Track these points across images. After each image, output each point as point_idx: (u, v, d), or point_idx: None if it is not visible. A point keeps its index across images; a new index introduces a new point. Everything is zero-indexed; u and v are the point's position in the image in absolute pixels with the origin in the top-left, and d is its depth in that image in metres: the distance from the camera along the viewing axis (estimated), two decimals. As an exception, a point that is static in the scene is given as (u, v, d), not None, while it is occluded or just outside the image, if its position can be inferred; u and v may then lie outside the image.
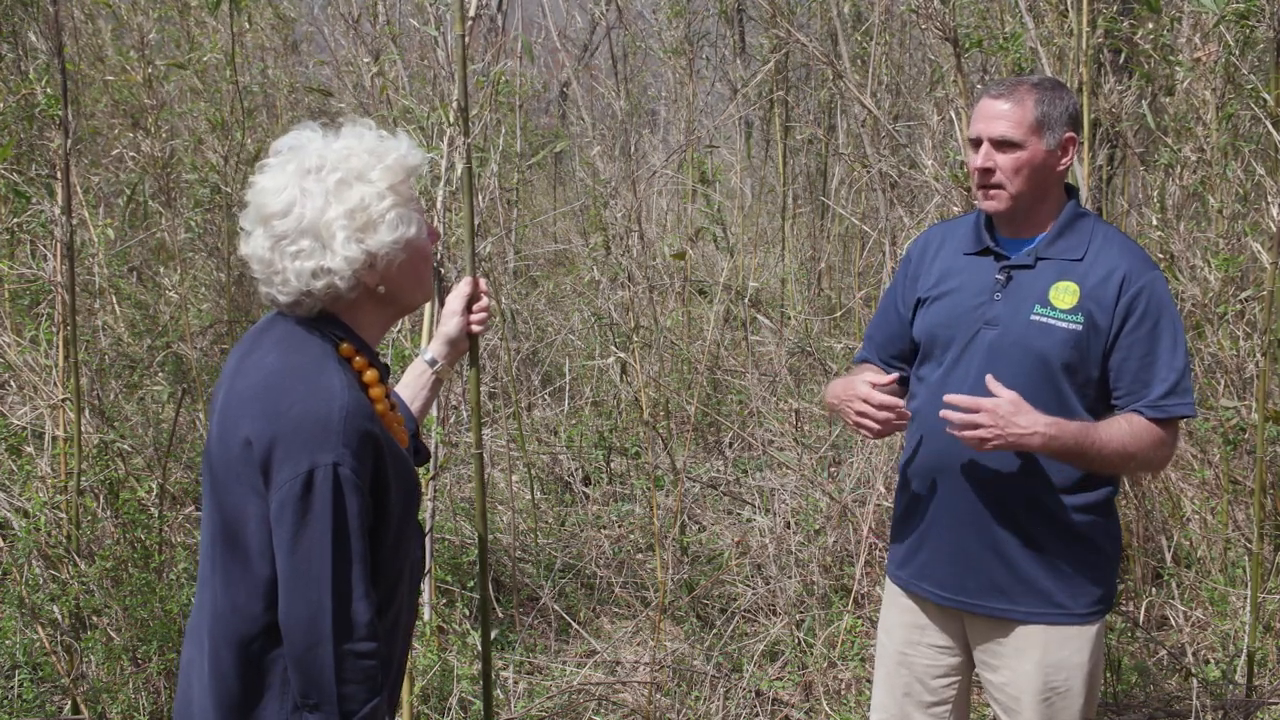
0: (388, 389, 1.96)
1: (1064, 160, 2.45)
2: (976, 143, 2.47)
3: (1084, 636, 2.51)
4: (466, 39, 2.62)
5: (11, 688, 3.65)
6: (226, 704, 1.81)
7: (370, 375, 1.87)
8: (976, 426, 2.29)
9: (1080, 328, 2.40)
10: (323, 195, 1.80)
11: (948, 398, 2.32)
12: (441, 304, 2.40)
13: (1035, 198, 2.47)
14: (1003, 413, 2.28)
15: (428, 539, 3.30)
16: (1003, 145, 2.43)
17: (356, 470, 1.74)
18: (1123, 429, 2.38)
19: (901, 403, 2.46)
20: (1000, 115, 2.42)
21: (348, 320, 1.88)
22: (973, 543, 2.49)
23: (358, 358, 1.87)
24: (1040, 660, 2.50)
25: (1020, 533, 2.45)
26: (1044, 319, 2.42)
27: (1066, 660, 2.50)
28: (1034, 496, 2.42)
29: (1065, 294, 2.42)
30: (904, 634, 2.69)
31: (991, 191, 2.46)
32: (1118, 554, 2.57)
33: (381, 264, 1.85)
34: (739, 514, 5.15)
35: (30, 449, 4.22)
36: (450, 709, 3.59)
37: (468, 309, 2.36)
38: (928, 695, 2.68)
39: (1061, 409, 2.41)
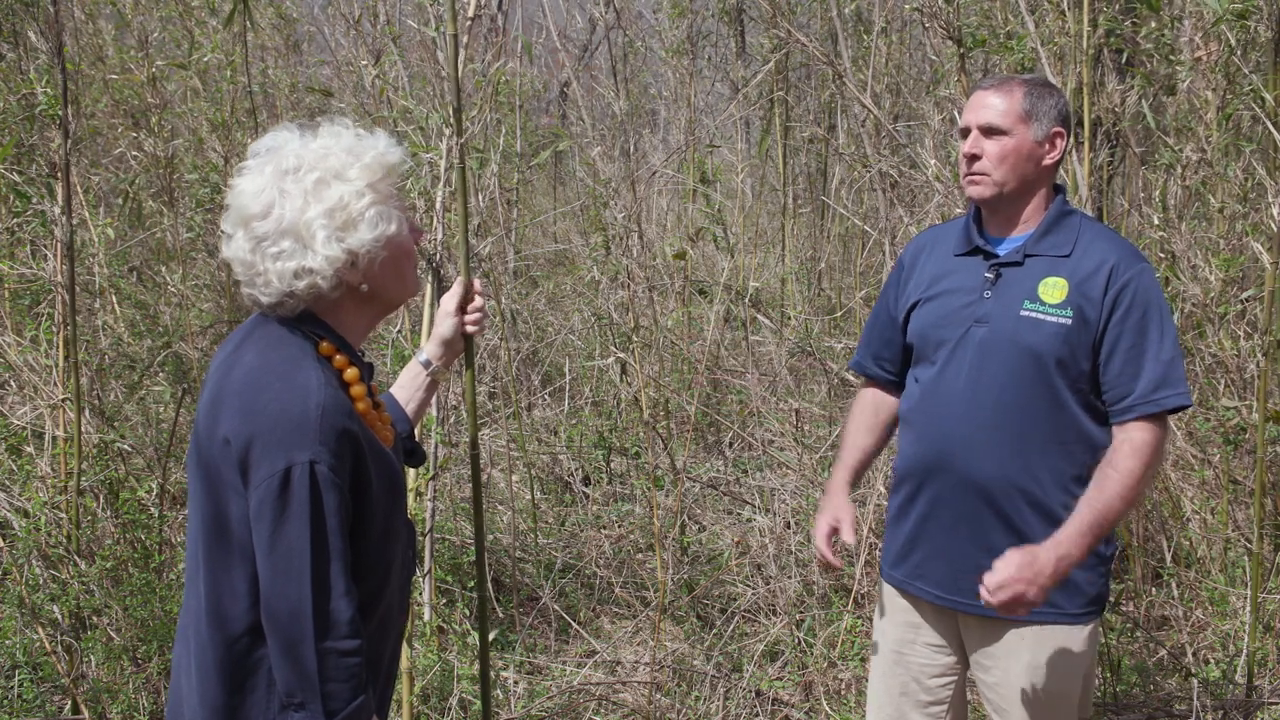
0: (373, 388, 1.96)
1: (1051, 154, 2.48)
2: (966, 132, 2.52)
3: (1077, 637, 2.50)
4: (460, 38, 2.62)
5: (11, 688, 3.65)
6: (213, 703, 1.81)
7: (350, 373, 1.87)
8: (1018, 599, 2.28)
9: (1070, 321, 2.40)
10: (301, 195, 1.80)
11: (985, 587, 2.29)
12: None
13: (1020, 188, 2.49)
14: (1031, 573, 2.26)
15: (427, 539, 3.30)
16: (990, 132, 2.47)
17: (334, 467, 1.74)
18: (1112, 478, 2.36)
19: (839, 564, 2.66)
20: (989, 104, 2.48)
21: (330, 319, 1.88)
22: (966, 542, 2.50)
23: (338, 356, 1.87)
24: (1032, 660, 2.50)
25: (1013, 532, 2.45)
26: (1033, 314, 2.43)
27: (1059, 661, 2.50)
28: (1028, 495, 2.42)
29: (1054, 289, 2.43)
30: (899, 633, 2.69)
31: (976, 177, 2.49)
32: (1111, 555, 2.57)
33: (363, 262, 1.85)
34: (739, 514, 5.15)
35: (30, 449, 4.23)
36: (450, 709, 3.59)
37: (462, 309, 2.36)
38: (924, 695, 2.68)
39: (1053, 404, 2.42)
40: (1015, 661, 2.51)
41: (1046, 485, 2.42)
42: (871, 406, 2.81)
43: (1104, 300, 2.40)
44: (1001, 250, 2.52)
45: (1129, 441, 2.39)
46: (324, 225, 1.80)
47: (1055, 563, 2.28)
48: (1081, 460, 2.42)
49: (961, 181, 2.57)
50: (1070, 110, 2.52)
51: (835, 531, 2.63)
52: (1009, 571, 2.27)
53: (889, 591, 2.72)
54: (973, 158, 2.48)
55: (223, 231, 1.86)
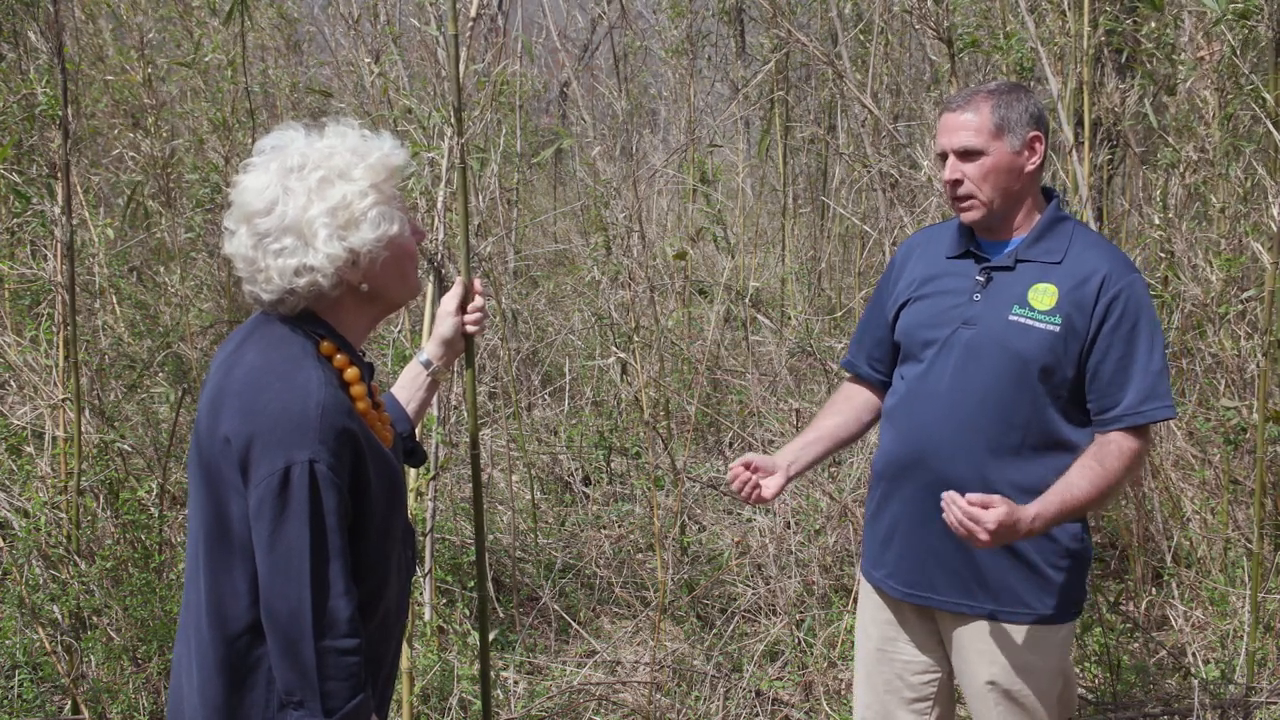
0: (373, 388, 1.96)
1: (1032, 160, 2.47)
2: (943, 157, 2.51)
3: (1053, 638, 2.51)
4: (460, 37, 2.62)
5: (11, 688, 3.65)
6: (213, 702, 1.81)
7: (351, 373, 1.87)
8: (977, 525, 2.26)
9: (1058, 329, 2.41)
10: (305, 193, 1.80)
11: (948, 496, 2.29)
12: None
13: (1009, 201, 2.49)
14: (1006, 526, 2.25)
15: (428, 539, 3.30)
16: (966, 155, 2.46)
17: (334, 467, 1.74)
18: (1096, 470, 2.37)
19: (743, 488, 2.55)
20: (959, 126, 2.46)
21: (330, 319, 1.89)
22: (942, 540, 2.49)
23: (338, 355, 1.87)
24: (1007, 660, 2.50)
25: None
26: (1022, 319, 2.43)
27: (1034, 661, 2.51)
28: (1004, 496, 2.42)
29: (1044, 295, 2.43)
30: (881, 630, 2.70)
31: (965, 203, 2.50)
32: (1087, 558, 2.56)
33: (364, 261, 1.85)
34: (739, 514, 5.15)
35: (30, 449, 4.23)
36: (450, 709, 3.59)
37: (462, 309, 2.36)
38: (909, 691, 2.69)
39: (1035, 410, 2.43)
40: (990, 660, 2.52)
41: (1021, 488, 2.41)
42: (845, 394, 2.82)
43: (1094, 310, 2.40)
44: (993, 254, 2.53)
45: (1116, 444, 2.40)
46: (326, 223, 1.80)
47: (1029, 523, 2.28)
48: (1057, 465, 2.42)
49: (950, 207, 2.57)
50: (1043, 108, 2.52)
51: (753, 470, 2.58)
52: (996, 516, 2.23)
53: (868, 589, 2.73)
54: (955, 183, 2.48)
55: (225, 228, 1.86)
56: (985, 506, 2.24)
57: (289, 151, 1.84)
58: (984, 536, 2.24)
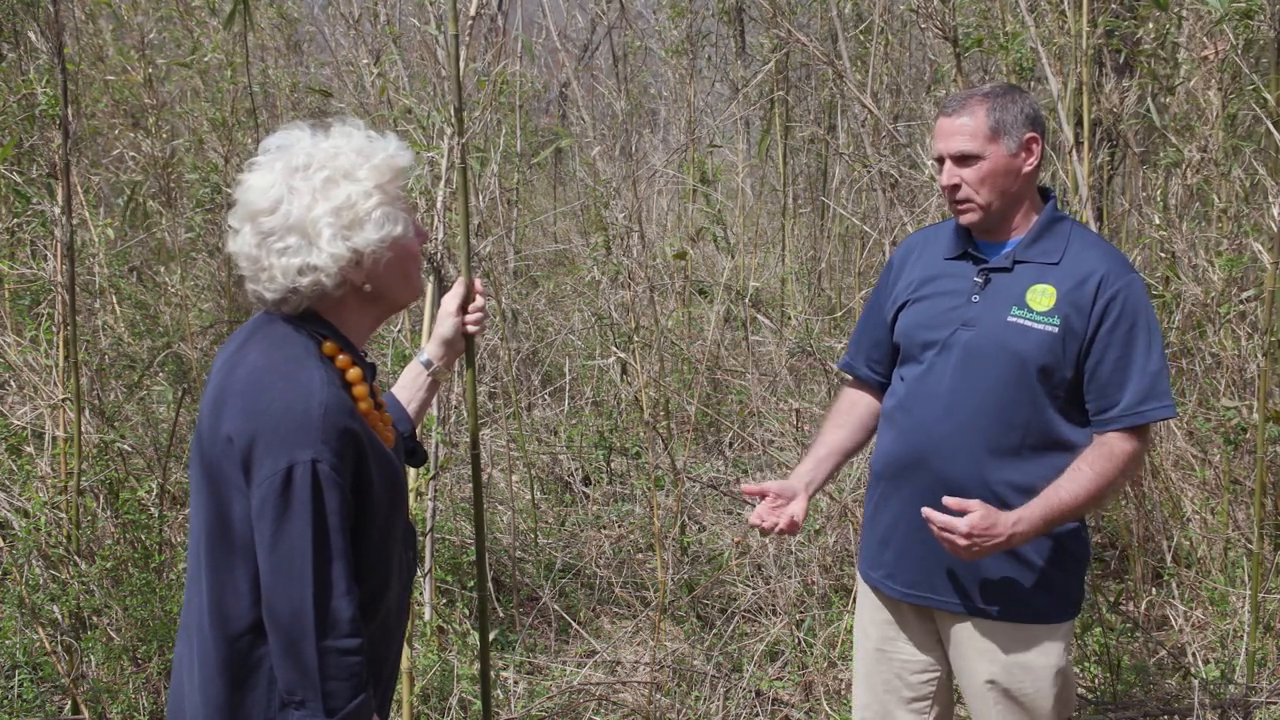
0: (375, 388, 1.96)
1: (1029, 160, 2.48)
2: (941, 161, 2.51)
3: (1051, 638, 2.51)
4: (461, 37, 2.62)
5: (11, 688, 3.65)
6: (215, 701, 1.81)
7: (354, 373, 1.88)
8: (954, 534, 2.30)
9: (1057, 329, 2.41)
10: (310, 193, 1.80)
11: (925, 511, 2.32)
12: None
13: (1007, 203, 2.50)
14: (979, 530, 2.28)
15: (428, 539, 3.30)
16: (963, 160, 2.47)
17: (336, 467, 1.74)
18: (1085, 474, 2.38)
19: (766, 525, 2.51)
20: (956, 131, 2.47)
21: (333, 319, 1.89)
22: (937, 542, 2.49)
23: (341, 356, 1.87)
24: (1006, 660, 2.51)
25: None
26: (1021, 320, 2.44)
27: (1033, 661, 2.51)
28: (1000, 498, 2.42)
29: (1042, 296, 2.44)
30: (879, 630, 2.71)
31: (963, 206, 2.50)
32: (1085, 558, 2.57)
33: (368, 262, 1.85)
34: (739, 514, 5.15)
35: (30, 449, 4.23)
36: (450, 709, 3.59)
37: (463, 309, 2.37)
38: (907, 691, 2.69)
39: (1034, 410, 2.43)
40: (990, 659, 2.53)
41: (1021, 489, 2.42)
42: (849, 402, 2.82)
43: (1092, 310, 2.41)
44: (991, 255, 2.54)
45: (1108, 446, 2.41)
46: (330, 223, 1.80)
47: (1009, 532, 2.31)
48: (1057, 465, 2.43)
49: (949, 210, 2.57)
50: (1039, 108, 2.52)
51: (769, 497, 2.58)
52: (970, 520, 2.27)
53: (868, 590, 2.73)
54: (954, 188, 2.49)
55: (229, 226, 1.87)
56: (965, 512, 2.26)
57: (294, 151, 1.84)
58: (961, 541, 2.27)
